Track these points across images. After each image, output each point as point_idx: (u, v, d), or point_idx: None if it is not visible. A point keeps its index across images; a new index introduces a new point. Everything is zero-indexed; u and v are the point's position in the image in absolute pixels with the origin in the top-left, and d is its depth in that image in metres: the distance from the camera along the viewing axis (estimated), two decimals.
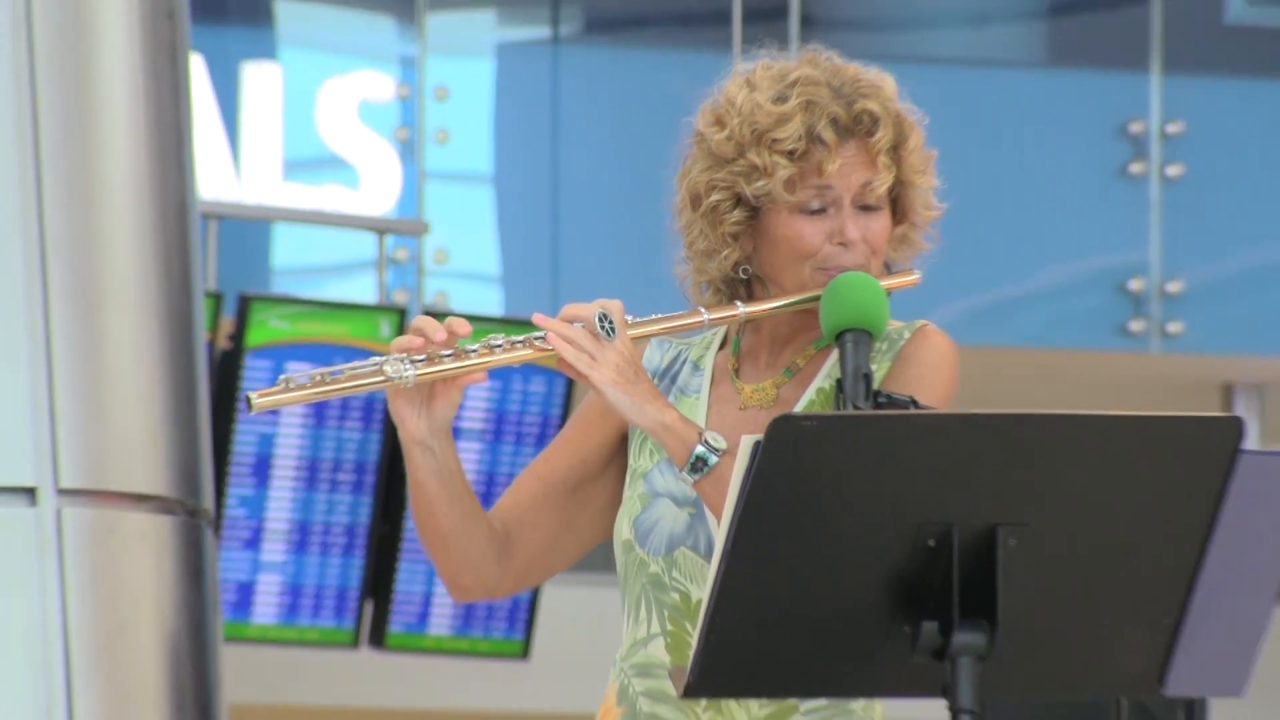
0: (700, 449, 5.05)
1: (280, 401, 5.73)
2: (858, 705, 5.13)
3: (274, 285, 12.00)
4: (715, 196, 5.17)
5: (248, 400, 5.81)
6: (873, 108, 5.16)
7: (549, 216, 12.63)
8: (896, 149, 5.17)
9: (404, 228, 12.33)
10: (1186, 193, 13.40)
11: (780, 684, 4.92)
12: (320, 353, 9.78)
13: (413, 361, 5.22)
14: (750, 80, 5.22)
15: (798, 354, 5.25)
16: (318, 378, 5.85)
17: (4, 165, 6.36)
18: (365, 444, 10.72)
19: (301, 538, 10.77)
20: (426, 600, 10.61)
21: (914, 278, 5.24)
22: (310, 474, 10.73)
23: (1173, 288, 13.24)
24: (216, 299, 9.98)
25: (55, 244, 6.38)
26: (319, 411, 10.67)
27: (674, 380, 5.30)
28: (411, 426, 5.28)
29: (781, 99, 5.16)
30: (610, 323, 5.15)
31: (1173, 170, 13.32)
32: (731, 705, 5.10)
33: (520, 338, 5.37)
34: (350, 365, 5.58)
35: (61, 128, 6.46)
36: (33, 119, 6.37)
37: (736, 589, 4.66)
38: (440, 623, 10.73)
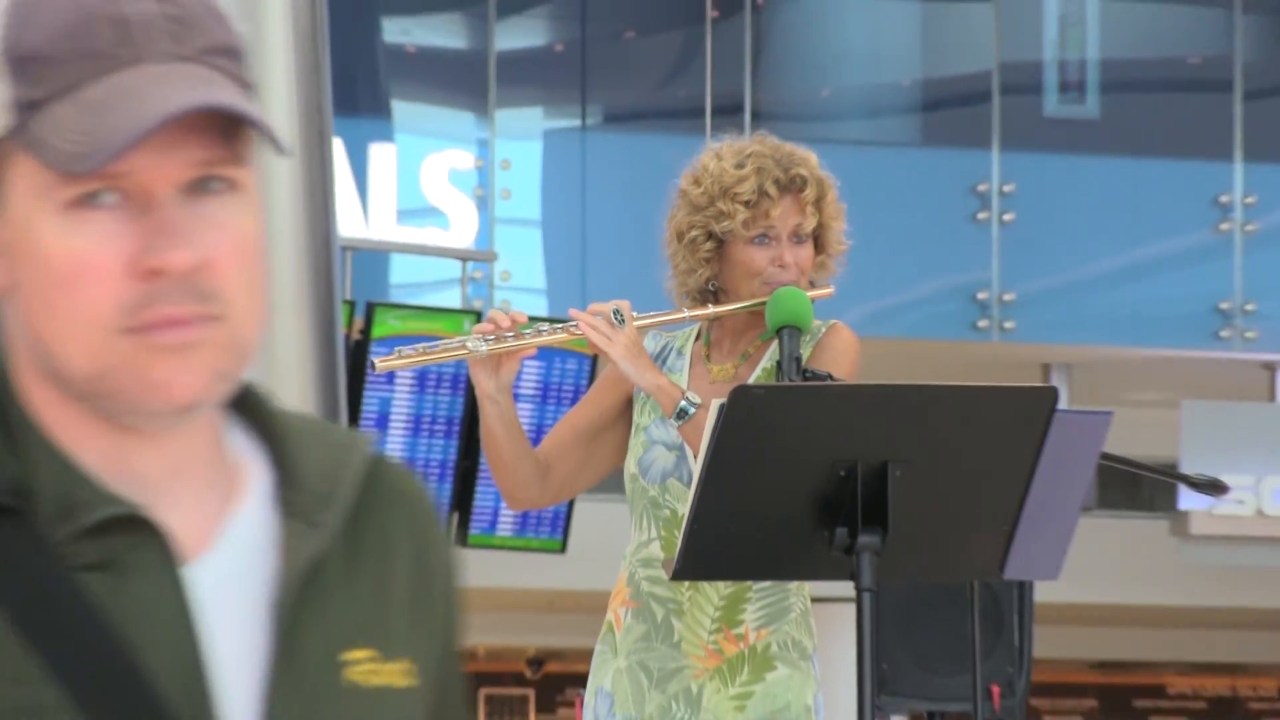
0: (683, 403, 5.06)
1: (395, 365, 5.77)
2: (793, 586, 5.11)
3: (391, 296, 11.96)
4: (693, 233, 5.18)
5: (373, 364, 5.89)
6: (803, 173, 5.17)
7: (579, 248, 12.58)
8: (819, 202, 5.18)
9: (479, 256, 12.28)
10: (1017, 233, 13.33)
11: (739, 571, 4.93)
12: (422, 342, 9.72)
13: (486, 340, 5.23)
14: (718, 154, 5.23)
15: (749, 344, 5.25)
16: (421, 349, 5.89)
17: None
18: (453, 405, 10.70)
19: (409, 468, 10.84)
20: (495, 513, 10.64)
21: (829, 290, 5.24)
22: (415, 426, 10.73)
23: (1007, 297, 13.16)
24: (351, 305, 9.95)
25: None
26: (421, 383, 10.67)
27: (664, 362, 5.28)
28: (484, 386, 5.28)
29: (740, 165, 5.17)
30: (621, 316, 5.16)
31: (1007, 217, 13.24)
32: (705, 586, 5.06)
33: (560, 325, 5.46)
34: (443, 342, 5.74)
35: None
36: None
37: (708, 506, 4.66)
38: (505, 528, 10.77)
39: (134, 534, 1.56)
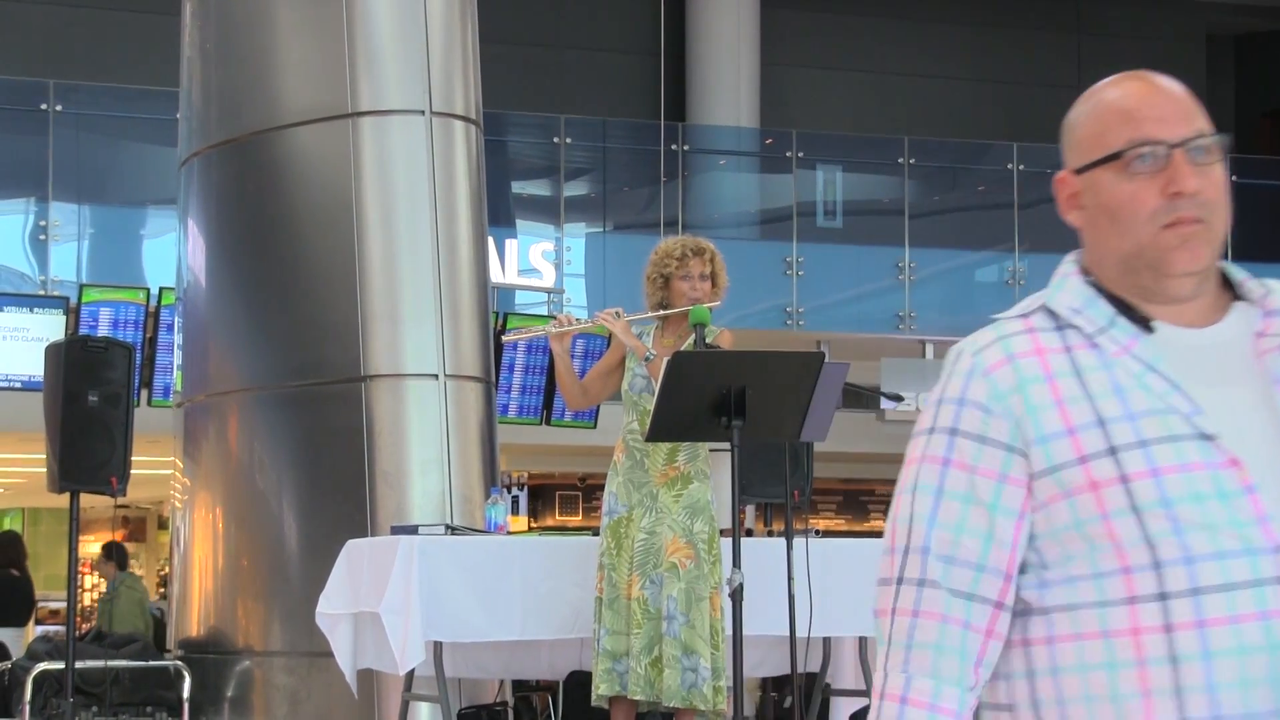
0: (649, 354, 4.99)
1: (513, 339, 5.75)
2: (701, 444, 4.99)
3: (515, 309, 11.93)
4: (654, 276, 5.11)
5: (501, 339, 5.85)
6: (704, 246, 5.09)
7: (601, 285, 12.56)
8: (712, 261, 5.11)
9: (555, 290, 12.26)
10: (805, 280, 13.28)
11: (676, 436, 4.83)
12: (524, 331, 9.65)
13: (556, 327, 5.20)
14: (666, 241, 5.16)
15: (680, 332, 5.14)
16: (523, 331, 5.86)
17: (425, 255, 6.28)
18: (543, 360, 10.60)
19: (522, 392, 10.70)
20: (562, 411, 10.55)
21: (718, 303, 5.17)
22: (525, 370, 10.66)
23: (801, 309, 13.14)
24: (496, 313, 9.93)
25: (445, 282, 6.31)
26: (529, 346, 10.60)
27: (640, 337, 5.23)
28: (556, 349, 5.21)
29: (674, 244, 5.12)
30: (619, 314, 5.11)
31: (801, 273, 13.21)
32: (660, 444, 4.95)
33: (589, 319, 5.40)
34: (535, 328, 5.68)
35: (447, 241, 6.36)
36: (434, 239, 6.30)
37: (664, 408, 4.62)
38: (568, 417, 10.69)
39: None
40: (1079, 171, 1.61)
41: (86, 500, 6.28)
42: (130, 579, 10.19)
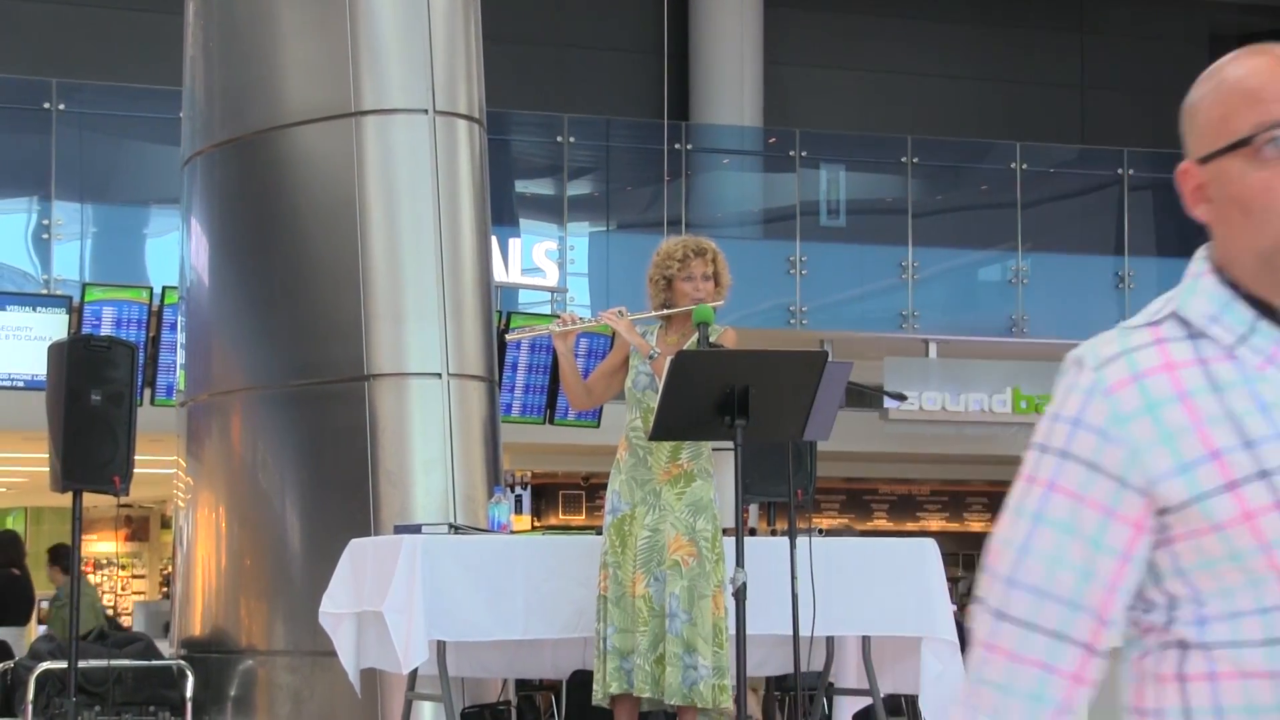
0: (653, 352, 4.99)
1: (516, 337, 5.78)
2: (704, 443, 5.01)
3: (518, 308, 11.92)
4: (657, 277, 5.11)
5: (505, 338, 5.84)
6: (705, 247, 5.09)
7: (604, 284, 12.56)
8: (714, 261, 5.11)
9: (558, 290, 12.25)
10: (809, 279, 13.27)
11: (680, 435, 4.85)
12: (527, 330, 9.63)
13: (560, 326, 5.19)
14: (668, 241, 5.15)
15: (683, 330, 5.16)
16: (527, 330, 5.85)
17: (428, 254, 6.27)
18: (546, 358, 10.56)
19: (525, 391, 10.69)
20: (566, 410, 10.51)
21: (721, 302, 5.18)
22: (529, 369, 10.62)
23: (804, 308, 13.14)
24: (499, 312, 9.91)
25: (449, 281, 6.30)
26: (532, 346, 10.58)
27: (644, 336, 5.24)
28: (560, 348, 5.21)
29: (675, 245, 5.11)
30: (623, 312, 5.12)
31: (805, 272, 13.21)
32: (668, 444, 4.97)
33: (593, 318, 5.42)
34: (539, 327, 5.65)
35: (451, 240, 6.35)
36: (437, 238, 6.29)
37: (667, 407, 4.63)
38: (570, 416, 10.65)
39: None
40: (1203, 161, 1.42)
41: (89, 500, 6.28)
42: (80, 582, 10.15)
